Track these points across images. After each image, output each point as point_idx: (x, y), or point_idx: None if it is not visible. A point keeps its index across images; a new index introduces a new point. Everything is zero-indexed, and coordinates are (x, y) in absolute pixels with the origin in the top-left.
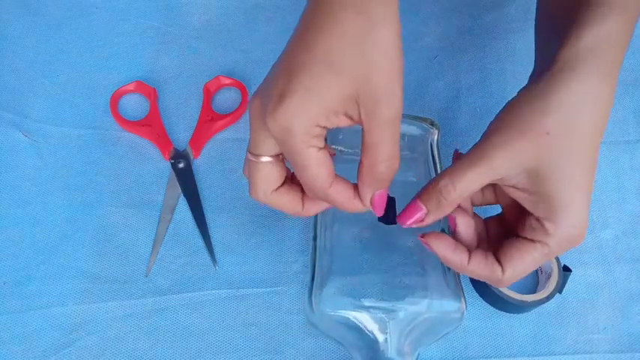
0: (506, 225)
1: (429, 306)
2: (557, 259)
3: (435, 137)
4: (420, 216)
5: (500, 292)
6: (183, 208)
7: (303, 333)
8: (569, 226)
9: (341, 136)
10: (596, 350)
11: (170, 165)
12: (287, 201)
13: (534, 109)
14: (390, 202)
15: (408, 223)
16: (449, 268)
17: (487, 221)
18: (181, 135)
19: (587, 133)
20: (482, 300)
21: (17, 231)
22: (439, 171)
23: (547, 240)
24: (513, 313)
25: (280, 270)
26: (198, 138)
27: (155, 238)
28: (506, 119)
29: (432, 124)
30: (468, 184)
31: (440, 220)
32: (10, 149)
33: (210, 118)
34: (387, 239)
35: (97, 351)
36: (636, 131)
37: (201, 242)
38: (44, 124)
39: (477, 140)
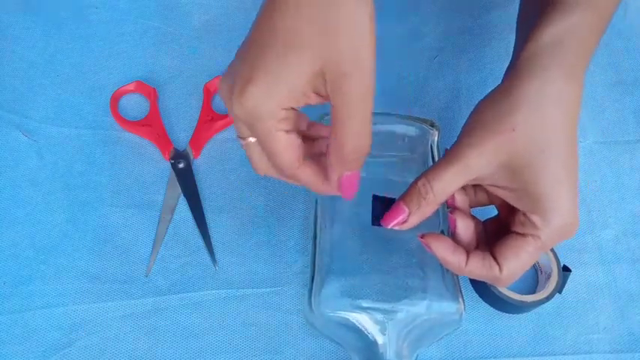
0: (502, 224)
1: (428, 307)
2: (557, 259)
3: (435, 138)
4: (403, 217)
5: (500, 292)
6: (183, 208)
7: (303, 333)
8: (557, 216)
9: None
10: (596, 350)
11: (170, 165)
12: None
13: (500, 108)
14: (389, 203)
15: (392, 224)
16: (447, 270)
17: (485, 222)
18: (181, 135)
19: (556, 125)
20: (482, 300)
21: (17, 231)
22: None
23: (537, 233)
24: (513, 314)
25: (280, 270)
26: (198, 138)
27: (155, 238)
28: (476, 119)
29: (432, 125)
30: (445, 184)
31: (439, 222)
32: (10, 149)
33: (210, 118)
34: (386, 240)
35: (97, 351)
36: (636, 131)
37: (201, 242)
38: (44, 124)
39: None
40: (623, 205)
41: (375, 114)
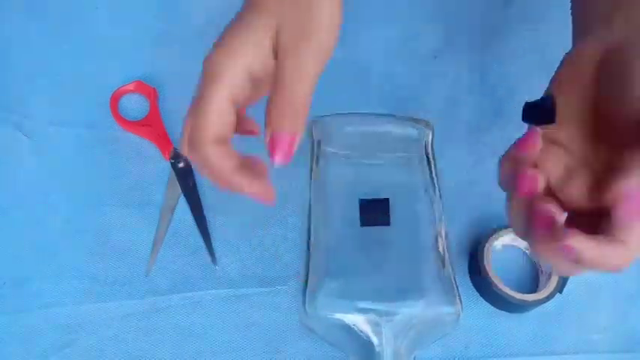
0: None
1: (425, 308)
2: None
3: (430, 138)
4: (536, 139)
5: (500, 291)
6: (183, 208)
7: (302, 333)
8: None
9: (336, 138)
10: (596, 350)
11: (170, 165)
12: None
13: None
14: (383, 203)
15: (525, 149)
16: (444, 269)
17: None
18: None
19: None
20: (482, 300)
21: (17, 231)
22: (434, 173)
23: None
24: (513, 313)
25: (280, 270)
26: None
27: (155, 238)
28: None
29: (427, 125)
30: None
31: (434, 221)
32: (10, 149)
33: None
34: (381, 241)
35: (97, 351)
36: None
37: (201, 242)
38: (44, 124)
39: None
40: None
41: (369, 115)
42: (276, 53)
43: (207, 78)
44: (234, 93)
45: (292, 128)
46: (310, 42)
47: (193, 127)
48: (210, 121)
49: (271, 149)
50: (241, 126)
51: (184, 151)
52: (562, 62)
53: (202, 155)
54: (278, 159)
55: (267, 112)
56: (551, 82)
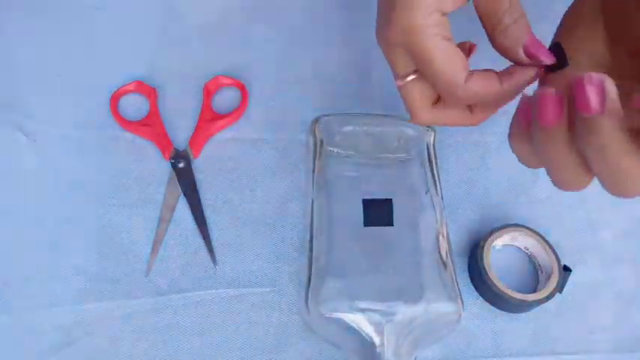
0: None
1: (426, 308)
2: (558, 258)
3: (432, 139)
4: (560, 104)
5: (500, 291)
6: (183, 208)
7: (303, 333)
8: None
9: (338, 137)
10: (596, 350)
11: (170, 165)
12: (452, 112)
13: None
14: (387, 204)
15: (549, 118)
16: (445, 269)
17: None
18: (181, 135)
19: None
20: (482, 299)
21: (17, 231)
22: (435, 173)
23: None
24: (513, 313)
25: (280, 270)
26: (198, 138)
27: (155, 238)
28: None
29: (429, 125)
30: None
31: (436, 220)
32: (10, 149)
33: (210, 118)
34: (383, 241)
35: (97, 351)
36: None
37: (201, 242)
38: (44, 124)
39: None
40: (623, 206)
41: (371, 115)
42: None
43: (408, 34)
44: (443, 29)
45: (528, 28)
46: None
47: (436, 82)
48: (449, 66)
49: (538, 55)
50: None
51: (418, 118)
52: (567, 11)
53: (467, 94)
54: (548, 57)
55: (498, 34)
56: (558, 29)
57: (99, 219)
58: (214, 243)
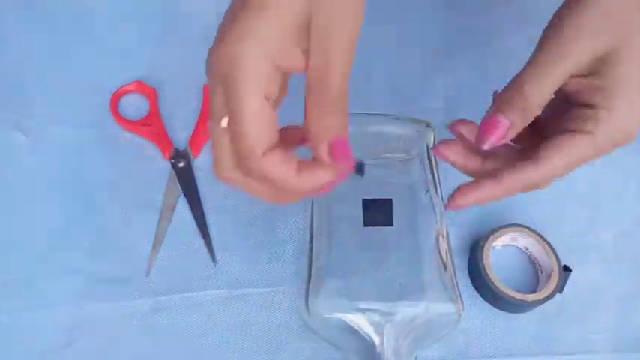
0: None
1: (426, 308)
2: (558, 258)
3: (431, 139)
4: (503, 131)
5: (500, 291)
6: (183, 208)
7: (302, 333)
8: (622, 116)
9: None
10: (596, 350)
11: (170, 165)
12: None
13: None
14: (386, 204)
15: (492, 140)
16: (445, 269)
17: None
18: (181, 135)
19: None
20: (482, 300)
21: (17, 231)
22: (435, 173)
23: (596, 129)
24: (513, 313)
25: (280, 270)
26: (198, 138)
27: (155, 238)
28: (562, 12)
29: (428, 125)
30: (553, 81)
31: (436, 220)
32: (10, 149)
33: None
34: (383, 241)
35: (96, 351)
36: None
37: (201, 242)
38: (44, 124)
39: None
40: (623, 205)
41: (370, 115)
42: (303, 43)
43: (230, 67)
44: (266, 89)
45: (345, 128)
46: (341, 25)
47: (236, 140)
48: (255, 129)
49: (336, 159)
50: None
51: (219, 173)
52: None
53: (259, 170)
54: (345, 163)
55: (313, 116)
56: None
57: (99, 219)
58: (214, 243)
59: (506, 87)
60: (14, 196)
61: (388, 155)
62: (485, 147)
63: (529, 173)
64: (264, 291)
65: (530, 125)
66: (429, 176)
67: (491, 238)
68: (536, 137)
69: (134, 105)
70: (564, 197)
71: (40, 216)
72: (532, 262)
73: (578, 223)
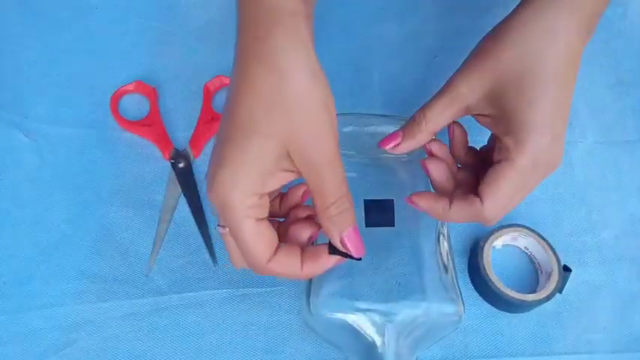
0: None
1: (427, 309)
2: (558, 258)
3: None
4: (397, 141)
5: (500, 291)
6: (183, 208)
7: (302, 333)
8: (531, 138)
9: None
10: (596, 350)
11: (170, 165)
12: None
13: (494, 36)
14: (388, 204)
15: (387, 146)
16: (446, 270)
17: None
18: (181, 135)
19: (544, 55)
20: (482, 299)
21: (17, 231)
22: None
23: (511, 155)
24: (513, 313)
25: None
26: (199, 138)
27: (155, 238)
28: (473, 50)
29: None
30: (436, 113)
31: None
32: (10, 149)
33: (210, 118)
34: (384, 241)
35: (97, 351)
36: (636, 131)
37: (201, 242)
38: (44, 124)
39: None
40: (623, 205)
41: (371, 115)
42: (286, 166)
43: (223, 205)
44: (255, 214)
45: (347, 224)
46: (317, 149)
47: (246, 257)
48: (256, 247)
49: (349, 249)
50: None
51: (236, 266)
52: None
53: (270, 272)
54: (359, 252)
55: (323, 220)
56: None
57: (99, 219)
58: (214, 243)
59: (415, 113)
60: (14, 196)
61: (389, 156)
62: (383, 148)
63: (476, 209)
64: (264, 291)
65: (481, 155)
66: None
67: (491, 238)
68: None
69: (134, 105)
70: (564, 197)
71: (40, 216)
72: (532, 262)
73: (577, 223)
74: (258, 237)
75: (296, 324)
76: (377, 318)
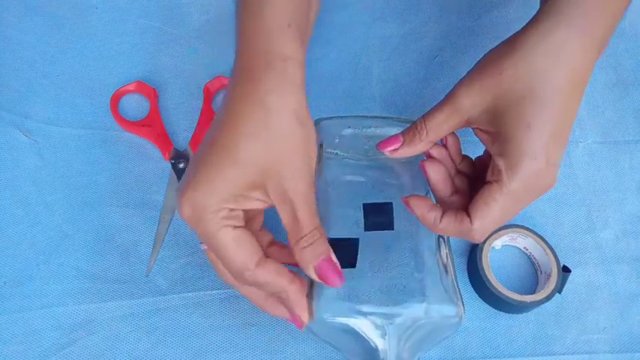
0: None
1: (427, 311)
2: (557, 259)
3: None
4: (396, 145)
5: (499, 292)
6: None
7: (302, 333)
8: (523, 162)
9: (337, 140)
10: (595, 350)
11: (170, 165)
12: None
13: (498, 52)
14: (387, 207)
15: (386, 149)
16: (446, 272)
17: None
18: (181, 135)
19: (546, 74)
20: (481, 300)
21: (17, 231)
22: None
23: (502, 177)
24: (513, 314)
25: None
26: (199, 138)
27: (155, 238)
28: (476, 64)
29: None
30: (437, 123)
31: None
32: (10, 149)
33: (210, 119)
34: (384, 244)
35: (97, 351)
36: (636, 131)
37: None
38: (44, 124)
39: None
40: (623, 205)
41: (370, 118)
42: (257, 195)
43: (196, 219)
44: (234, 220)
45: (320, 251)
46: (294, 181)
47: (225, 265)
48: (237, 255)
49: (323, 279)
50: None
51: (227, 283)
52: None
53: (256, 281)
54: (334, 283)
55: (296, 252)
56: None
57: (99, 219)
58: None
59: (417, 120)
60: (14, 196)
61: (388, 158)
62: (382, 150)
63: (465, 225)
64: None
65: (476, 165)
66: None
67: (490, 238)
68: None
69: (134, 105)
70: (564, 197)
71: (40, 216)
72: (531, 262)
73: (577, 223)
74: (239, 242)
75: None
76: (378, 321)
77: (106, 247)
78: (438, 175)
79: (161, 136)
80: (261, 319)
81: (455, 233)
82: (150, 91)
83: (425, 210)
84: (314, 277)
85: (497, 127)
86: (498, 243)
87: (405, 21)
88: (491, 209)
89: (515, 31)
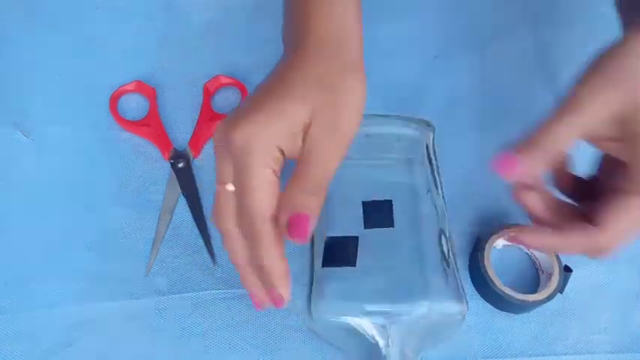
0: (596, 189)
1: (430, 309)
2: (559, 259)
3: (431, 139)
4: (513, 165)
5: (501, 291)
6: (182, 208)
7: (302, 333)
8: None
9: None
10: (597, 350)
11: (170, 165)
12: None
13: (622, 57)
14: (387, 205)
15: (502, 172)
16: (449, 269)
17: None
18: (181, 135)
19: None
20: (483, 300)
21: (18, 231)
22: (436, 173)
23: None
24: (514, 313)
25: None
26: (198, 138)
27: (155, 238)
28: (594, 71)
29: (428, 125)
30: (558, 137)
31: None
32: (10, 149)
33: (210, 118)
34: (385, 243)
35: (97, 351)
36: None
37: (200, 242)
38: (44, 124)
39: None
40: None
41: (370, 116)
42: (303, 137)
43: (244, 150)
44: (273, 167)
45: (313, 204)
46: (338, 136)
47: (244, 204)
48: (263, 196)
49: (292, 229)
50: None
51: (219, 224)
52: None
53: (257, 232)
54: (300, 239)
55: (288, 193)
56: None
57: (99, 219)
58: (214, 243)
59: (535, 134)
60: (14, 196)
61: (388, 155)
62: (494, 169)
63: (595, 237)
64: None
65: (582, 184)
66: (430, 176)
67: (491, 238)
68: (587, 196)
69: (134, 105)
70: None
71: (41, 216)
72: (533, 262)
73: None
74: (271, 189)
75: (296, 324)
76: (380, 320)
77: (106, 247)
78: (537, 204)
79: (160, 136)
80: (262, 319)
81: (581, 249)
82: (149, 90)
83: (543, 237)
84: (283, 220)
85: (627, 132)
86: (499, 243)
87: (405, 21)
88: (630, 218)
89: (515, 32)
